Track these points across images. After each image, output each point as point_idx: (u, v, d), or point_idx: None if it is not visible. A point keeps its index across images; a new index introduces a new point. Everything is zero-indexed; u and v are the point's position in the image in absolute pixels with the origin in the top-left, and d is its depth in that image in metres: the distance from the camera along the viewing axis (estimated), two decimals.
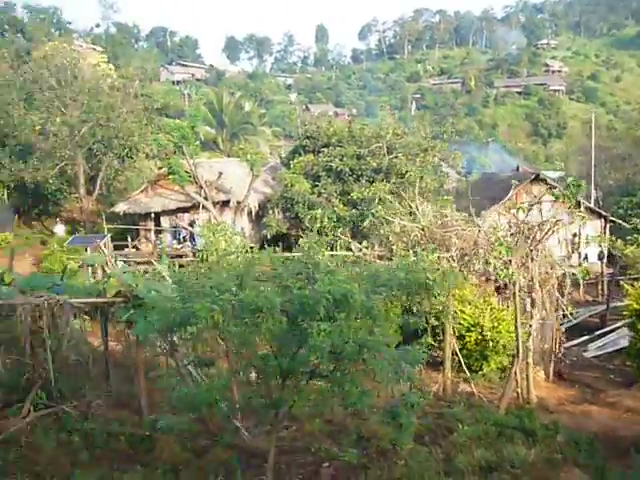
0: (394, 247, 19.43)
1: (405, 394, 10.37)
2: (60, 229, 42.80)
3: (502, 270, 16.10)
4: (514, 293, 16.40)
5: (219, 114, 72.06)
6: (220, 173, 37.61)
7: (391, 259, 18.18)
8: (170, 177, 36.64)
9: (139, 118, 44.56)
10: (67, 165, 42.45)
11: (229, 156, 57.23)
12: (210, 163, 41.32)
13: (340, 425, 14.25)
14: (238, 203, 38.12)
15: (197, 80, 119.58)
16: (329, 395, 9.87)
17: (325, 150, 38.10)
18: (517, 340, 16.49)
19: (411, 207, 25.93)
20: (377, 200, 30.28)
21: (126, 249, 37.99)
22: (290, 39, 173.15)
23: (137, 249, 38.63)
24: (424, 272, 10.50)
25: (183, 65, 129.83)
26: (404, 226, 19.91)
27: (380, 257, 20.65)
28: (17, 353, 13.64)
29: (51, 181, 41.83)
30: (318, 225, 32.04)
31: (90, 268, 30.47)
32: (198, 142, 39.64)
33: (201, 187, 37.32)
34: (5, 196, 45.08)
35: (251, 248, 29.30)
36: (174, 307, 8.71)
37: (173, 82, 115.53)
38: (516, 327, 16.59)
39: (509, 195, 37.04)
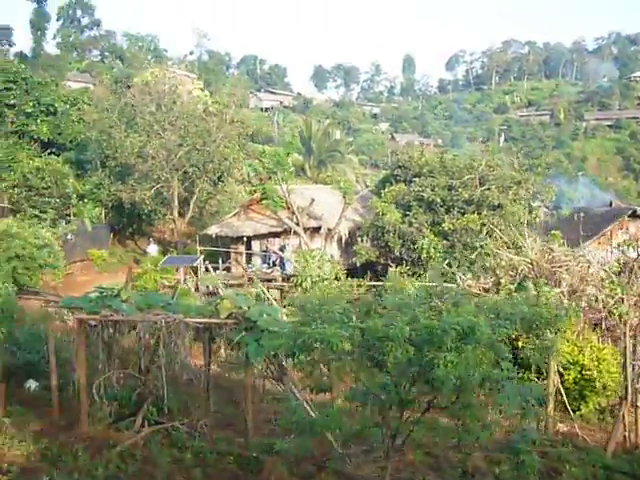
0: (502, 280, 19.17)
1: (525, 429, 10.16)
2: (153, 249, 43.97)
3: (616, 308, 15.68)
4: (624, 332, 15.92)
5: (307, 141, 72.84)
6: (312, 200, 38.00)
7: (498, 292, 17.95)
8: (264, 202, 37.32)
9: (233, 143, 45.66)
10: (163, 187, 43.65)
11: (316, 183, 57.72)
12: (302, 189, 41.80)
13: (441, 457, 14.05)
14: (329, 230, 38.32)
15: (285, 107, 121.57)
16: (447, 427, 9.78)
17: (417, 180, 38.08)
18: (626, 381, 15.96)
19: (502, 239, 25.63)
20: (485, 232, 30.13)
21: (217, 271, 38.71)
22: (377, 68, 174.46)
23: (228, 271, 39.33)
24: (547, 307, 10.34)
25: (272, 92, 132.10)
26: (511, 259, 19.65)
27: (486, 290, 20.40)
28: (128, 368, 14.04)
29: (147, 202, 43.15)
30: (425, 255, 32.05)
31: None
32: (292, 169, 40.32)
33: (293, 213, 37.76)
34: (103, 215, 46.82)
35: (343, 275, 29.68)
36: (302, 331, 8.79)
37: (261, 109, 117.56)
38: (625, 367, 16.07)
39: (605, 230, 36.13)
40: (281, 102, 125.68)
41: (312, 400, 13.85)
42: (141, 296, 13.92)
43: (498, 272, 20.04)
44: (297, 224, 37.55)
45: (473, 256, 28.75)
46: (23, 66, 51.98)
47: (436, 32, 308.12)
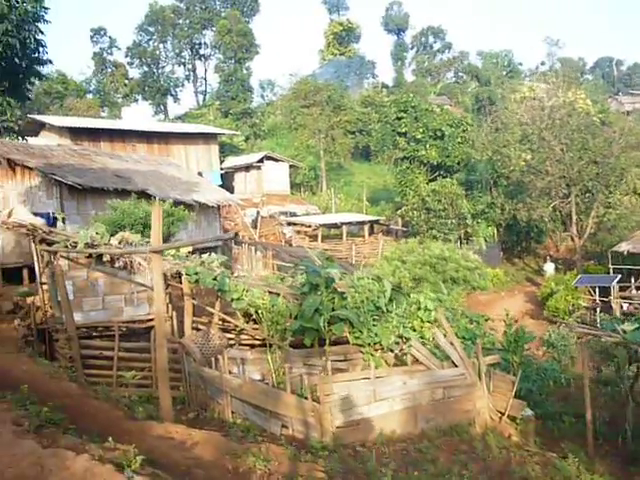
0: None
1: None
2: (550, 267, 42.91)
3: None
4: None
5: None
6: None
7: None
8: None
9: (632, 153, 43.02)
10: (561, 203, 42.50)
11: None
12: None
13: None
14: None
15: None
16: None
17: None
18: None
19: None
20: None
21: (631, 290, 36.44)
22: None
23: None
24: None
25: (632, 94, 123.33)
26: None
27: None
28: None
29: (546, 219, 42.37)
30: None
31: None
32: None
33: None
34: (494, 234, 47.12)
35: None
36: None
37: (623, 112, 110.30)
38: None
39: None
40: None
41: None
42: None
43: None
44: None
45: None
46: (412, 95, 54.60)
47: None
